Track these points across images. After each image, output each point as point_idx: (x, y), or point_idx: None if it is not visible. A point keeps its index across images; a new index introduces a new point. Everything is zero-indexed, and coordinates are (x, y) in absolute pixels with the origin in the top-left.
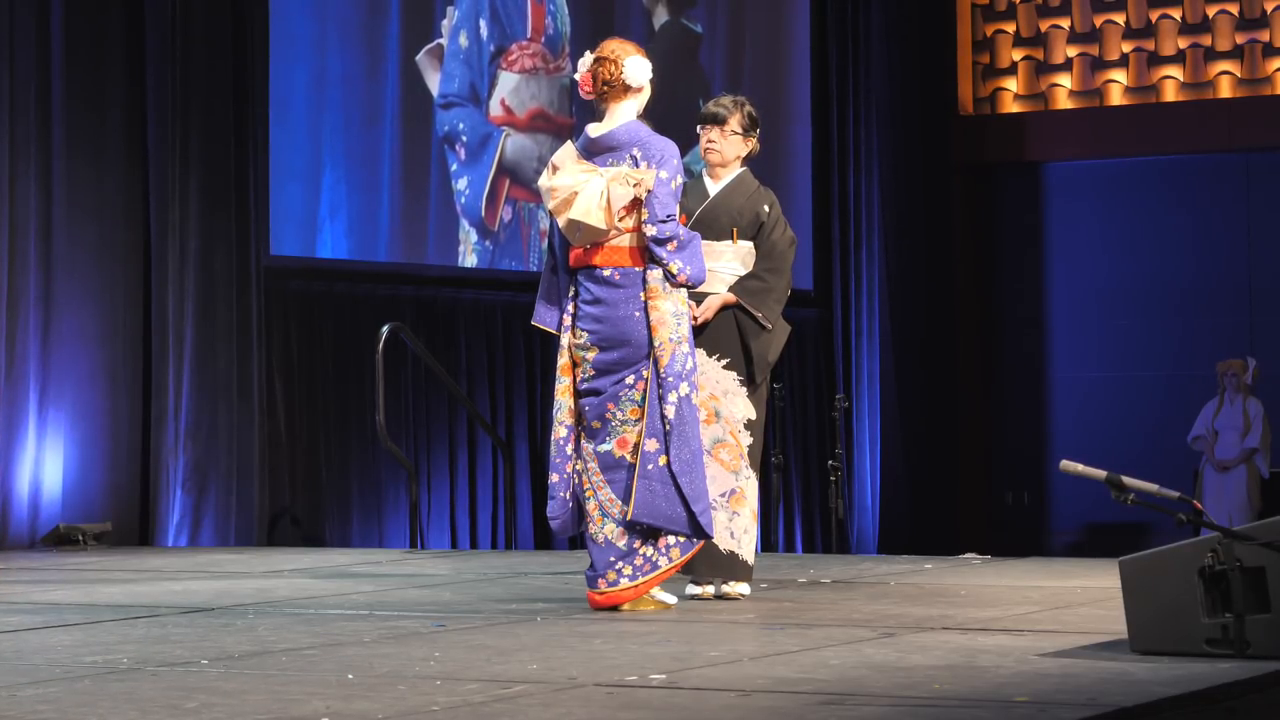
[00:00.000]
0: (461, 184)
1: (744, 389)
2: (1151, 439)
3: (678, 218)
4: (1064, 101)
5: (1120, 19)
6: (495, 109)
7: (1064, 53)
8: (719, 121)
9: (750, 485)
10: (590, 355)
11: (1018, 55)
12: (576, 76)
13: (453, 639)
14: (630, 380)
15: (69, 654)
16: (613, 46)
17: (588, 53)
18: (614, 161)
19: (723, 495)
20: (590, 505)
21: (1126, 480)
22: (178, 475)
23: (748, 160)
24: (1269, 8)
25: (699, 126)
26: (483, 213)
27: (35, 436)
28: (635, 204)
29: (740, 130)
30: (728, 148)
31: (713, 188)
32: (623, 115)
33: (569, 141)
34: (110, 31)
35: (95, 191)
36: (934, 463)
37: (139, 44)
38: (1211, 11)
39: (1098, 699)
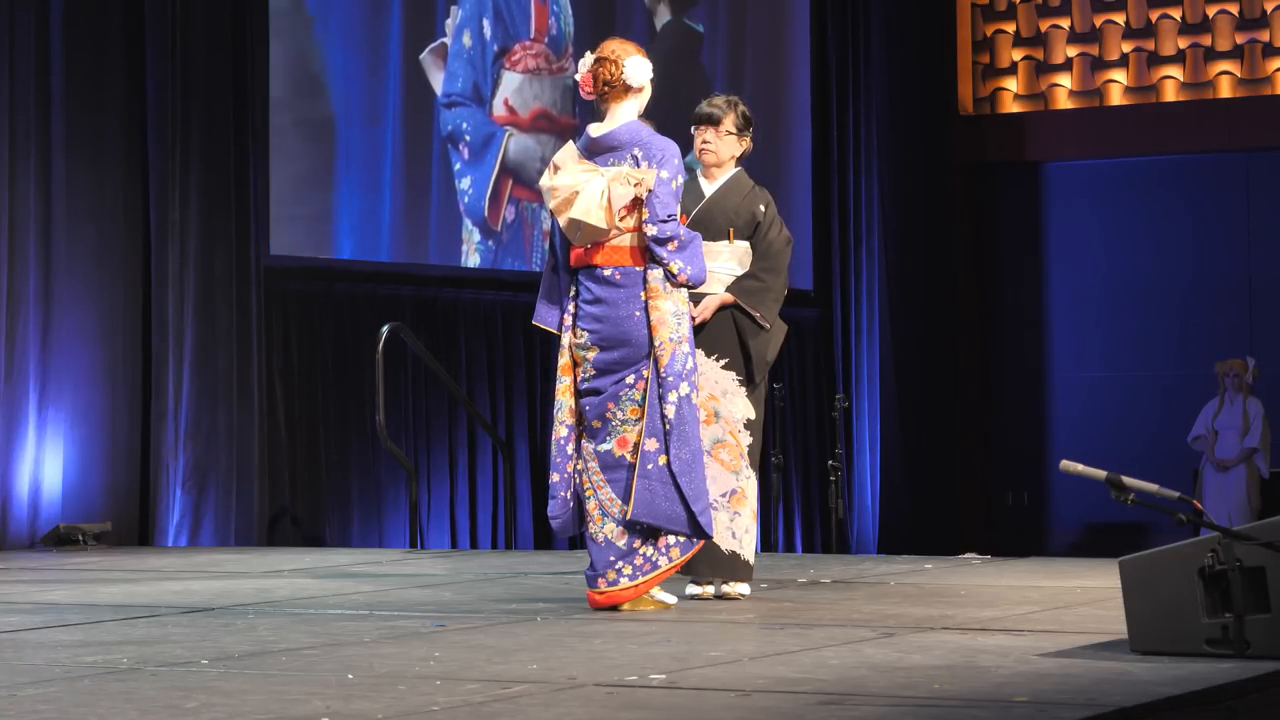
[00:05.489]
0: (465, 184)
1: (743, 389)
2: (1151, 439)
3: (678, 217)
4: (1064, 101)
5: (1120, 19)
6: (498, 109)
7: (1064, 53)
8: (714, 122)
9: (750, 485)
10: (591, 355)
11: (1018, 55)
12: (577, 77)
13: (453, 639)
14: (630, 380)
15: (69, 654)
16: (613, 47)
17: (588, 53)
18: (615, 161)
19: (724, 495)
20: (590, 505)
21: (1126, 480)
22: (178, 475)
23: (742, 160)
24: (1269, 8)
25: (693, 127)
26: (485, 213)
27: (35, 436)
28: (636, 204)
29: (735, 130)
30: (723, 148)
31: (708, 188)
32: (624, 115)
33: (570, 141)
34: (110, 31)
35: (95, 192)
36: (934, 462)
37: (139, 44)
38: (1211, 11)
39: (1098, 699)
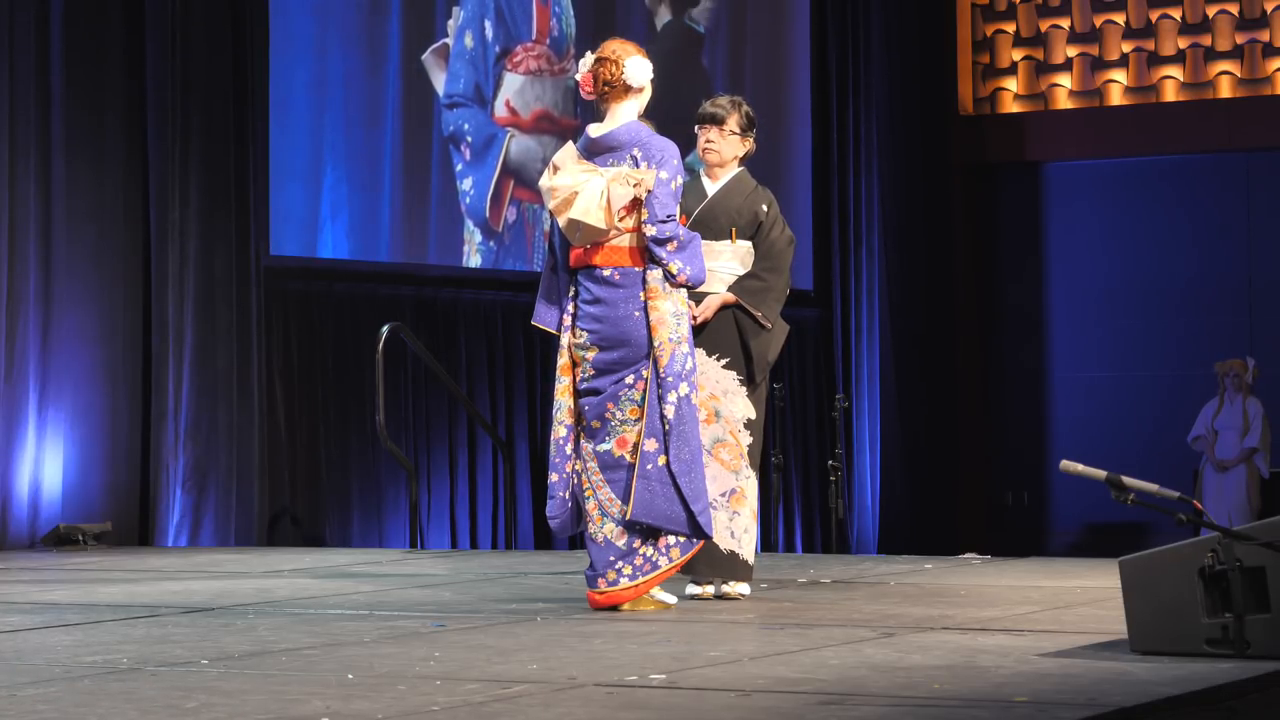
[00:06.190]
0: (466, 184)
1: (744, 388)
2: (1151, 439)
3: (678, 218)
4: (1064, 101)
5: (1120, 19)
6: (500, 110)
7: (1064, 53)
8: (717, 121)
9: (750, 485)
10: (590, 355)
11: (1018, 55)
12: (577, 77)
13: (453, 639)
14: (630, 380)
15: (69, 654)
16: (613, 47)
17: (588, 53)
18: (614, 162)
19: (723, 495)
20: (590, 505)
21: (1126, 480)
22: (178, 475)
23: (744, 160)
24: (1269, 8)
25: (697, 127)
26: (487, 213)
27: (35, 436)
28: (635, 204)
29: (738, 130)
30: (726, 148)
31: (711, 188)
32: (623, 115)
33: (570, 142)
34: (110, 31)
35: (95, 192)
36: (934, 462)
37: (139, 44)
38: (1211, 11)
39: (1098, 699)
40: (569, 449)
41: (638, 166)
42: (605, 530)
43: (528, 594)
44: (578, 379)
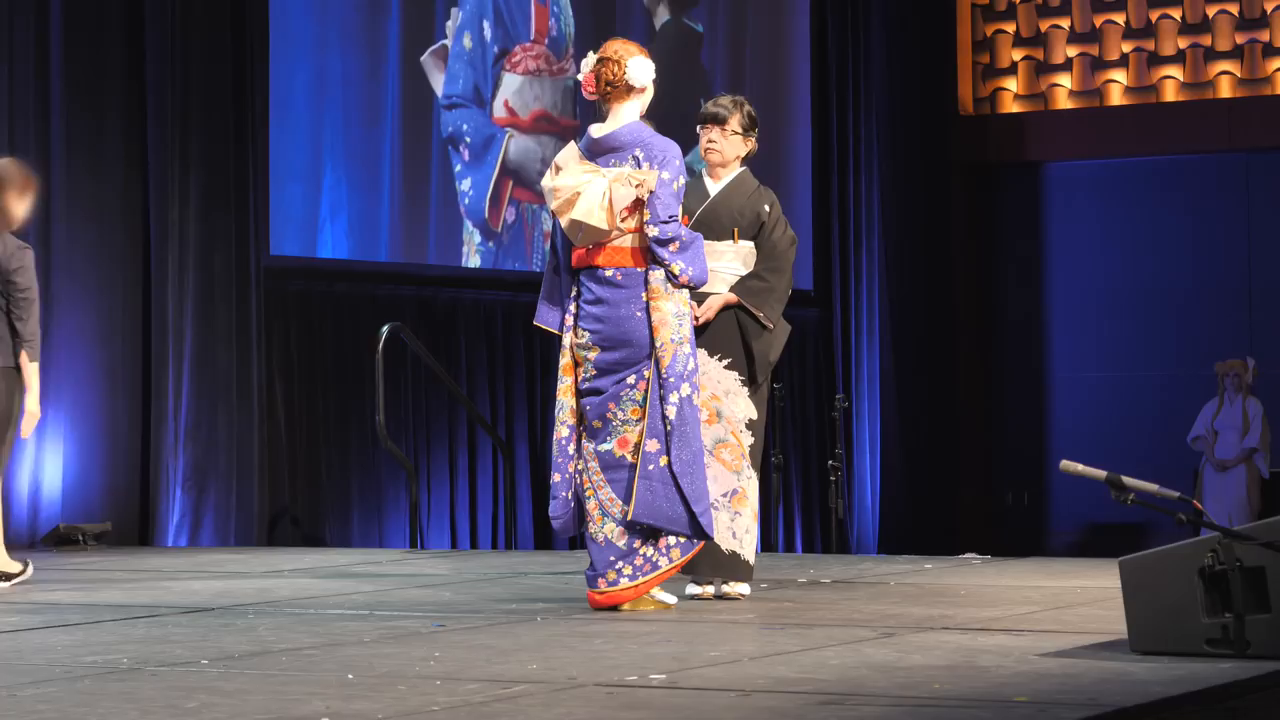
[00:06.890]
0: (465, 185)
1: (745, 389)
2: (1151, 439)
3: (680, 218)
4: (1064, 101)
5: (1120, 19)
6: (499, 110)
7: (1064, 53)
8: (719, 121)
9: (752, 485)
10: (592, 355)
11: (1018, 55)
12: (579, 77)
13: (453, 639)
14: (631, 380)
15: (69, 654)
16: (615, 47)
17: (590, 53)
18: (616, 162)
19: (725, 495)
20: (590, 505)
21: (1126, 480)
22: (178, 475)
23: (746, 160)
24: (1269, 8)
25: (699, 126)
26: (486, 214)
27: (35, 436)
28: (637, 204)
29: (740, 130)
30: (728, 147)
31: (713, 188)
32: (625, 116)
33: (572, 142)
34: (110, 32)
35: (94, 192)
36: (934, 462)
37: (139, 44)
38: (1211, 11)
39: (1098, 699)
40: (571, 449)
41: (640, 167)
42: (606, 530)
43: (528, 594)
44: (579, 379)
